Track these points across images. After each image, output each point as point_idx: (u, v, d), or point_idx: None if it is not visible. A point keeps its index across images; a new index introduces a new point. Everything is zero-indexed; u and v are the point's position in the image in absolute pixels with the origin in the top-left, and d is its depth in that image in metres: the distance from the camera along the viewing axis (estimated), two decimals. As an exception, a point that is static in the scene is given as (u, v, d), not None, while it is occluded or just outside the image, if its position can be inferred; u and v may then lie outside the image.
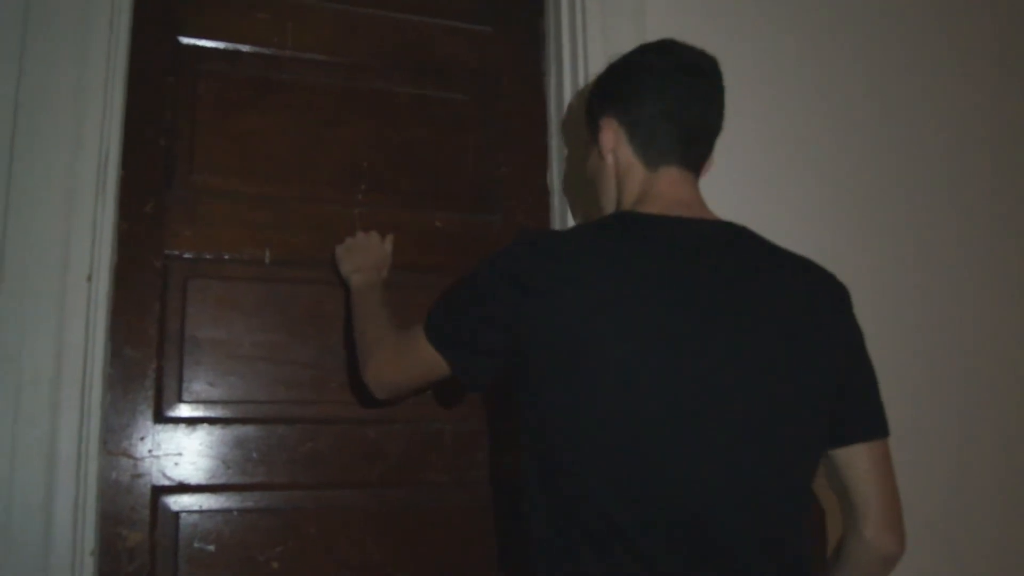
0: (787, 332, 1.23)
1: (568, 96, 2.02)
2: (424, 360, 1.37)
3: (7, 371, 1.54)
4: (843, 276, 1.38)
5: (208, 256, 1.81)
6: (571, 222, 1.97)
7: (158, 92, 1.83)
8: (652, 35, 1.95)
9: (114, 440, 1.69)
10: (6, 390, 1.53)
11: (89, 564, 1.58)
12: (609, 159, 1.40)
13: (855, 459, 1.31)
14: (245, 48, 1.92)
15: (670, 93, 1.32)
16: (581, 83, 1.98)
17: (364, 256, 1.77)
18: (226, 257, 1.83)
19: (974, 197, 2.31)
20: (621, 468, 1.16)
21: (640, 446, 1.16)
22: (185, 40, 1.88)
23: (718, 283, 1.23)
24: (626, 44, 1.91)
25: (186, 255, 1.80)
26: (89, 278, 1.62)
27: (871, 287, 1.91)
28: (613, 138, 1.38)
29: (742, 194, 1.94)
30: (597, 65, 1.95)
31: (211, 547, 1.73)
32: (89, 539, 1.59)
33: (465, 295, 1.33)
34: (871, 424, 1.32)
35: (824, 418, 1.27)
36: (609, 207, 1.43)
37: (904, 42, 2.31)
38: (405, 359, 1.44)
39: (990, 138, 2.35)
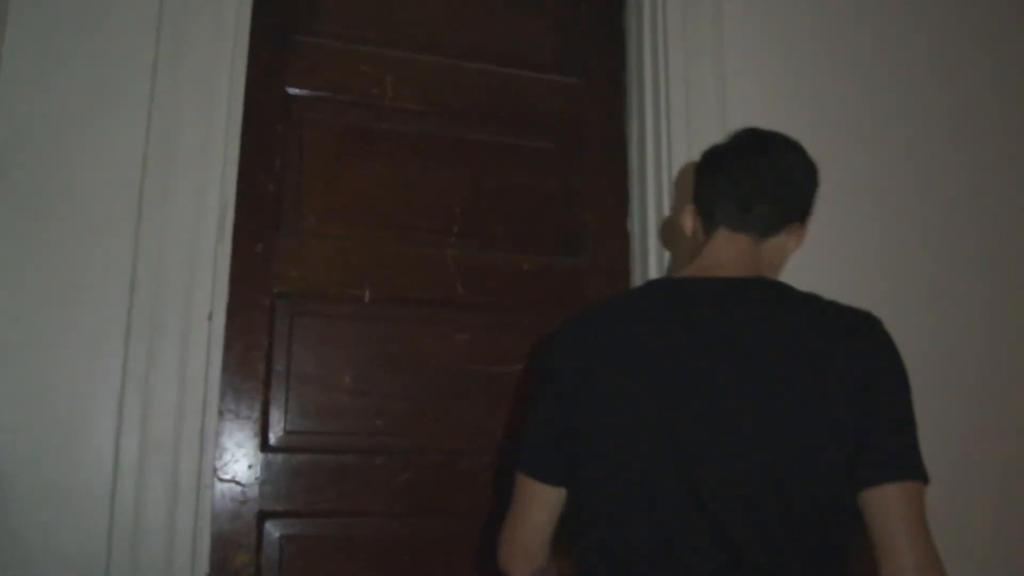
0: (799, 376, 1.25)
1: (649, 145, 2.12)
2: (527, 492, 1.43)
3: (136, 402, 1.66)
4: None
5: (312, 295, 1.93)
6: (651, 265, 2.07)
7: (268, 140, 1.95)
8: (732, 83, 2.08)
9: (224, 468, 1.80)
10: (135, 419, 1.65)
11: (203, 582, 1.70)
12: (692, 239, 1.52)
13: (872, 503, 1.22)
14: (348, 98, 2.05)
15: (731, 170, 1.43)
16: (662, 133, 2.08)
17: None
18: (329, 296, 1.94)
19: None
20: (646, 509, 1.26)
21: (660, 488, 1.25)
22: (292, 91, 2.01)
23: (735, 335, 1.29)
24: (707, 95, 2.04)
25: (292, 294, 1.91)
26: (210, 316, 1.74)
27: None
28: (691, 220, 1.51)
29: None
30: (678, 117, 2.06)
31: (310, 569, 1.83)
32: (203, 560, 1.71)
33: (532, 408, 1.48)
34: (891, 465, 1.23)
35: (846, 456, 1.23)
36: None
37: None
38: (515, 510, 1.46)
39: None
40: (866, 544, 1.25)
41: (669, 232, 2.07)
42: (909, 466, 1.24)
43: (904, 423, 1.28)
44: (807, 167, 1.44)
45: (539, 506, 1.43)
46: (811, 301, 1.34)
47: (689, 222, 1.51)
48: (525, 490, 1.43)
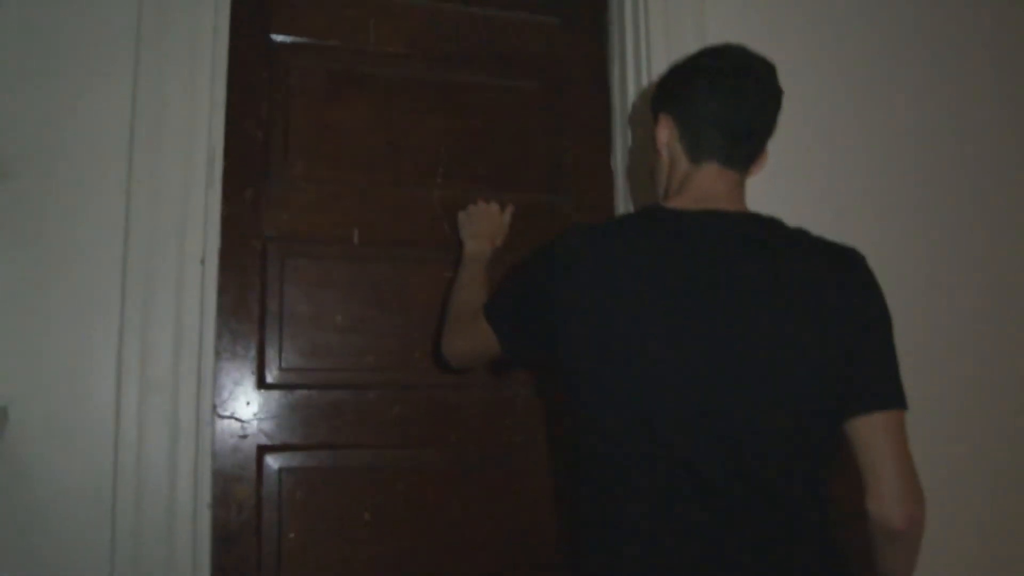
0: (794, 309, 1.31)
1: (631, 84, 2.15)
2: (484, 335, 1.55)
3: (135, 345, 1.73)
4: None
5: (302, 238, 1.99)
6: (635, 201, 2.12)
7: (254, 88, 2.00)
8: (712, 26, 2.09)
9: (223, 405, 1.89)
10: (134, 361, 1.73)
11: (206, 515, 1.79)
12: (663, 153, 1.51)
13: (859, 430, 1.31)
14: (332, 43, 2.09)
15: (720, 96, 1.42)
16: (643, 72, 2.12)
17: (481, 224, 1.94)
18: (318, 239, 2.00)
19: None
20: (632, 433, 1.30)
21: (649, 412, 1.29)
22: (277, 37, 2.05)
23: (729, 267, 1.33)
24: (687, 34, 2.08)
25: (283, 237, 1.98)
26: (202, 261, 1.81)
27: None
28: (667, 134, 1.49)
29: (795, 191, 2.06)
30: (658, 54, 2.10)
31: (309, 500, 1.92)
32: (205, 493, 1.80)
33: (515, 280, 1.53)
34: (875, 395, 1.31)
35: (833, 388, 1.30)
36: (659, 193, 1.56)
37: (953, 44, 2.41)
38: (470, 333, 1.61)
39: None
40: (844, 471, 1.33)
41: (636, 163, 2.12)
42: (894, 396, 1.33)
43: (888, 356, 1.36)
44: (779, 93, 1.46)
45: (485, 348, 1.57)
46: (801, 237, 1.40)
47: (665, 135, 1.49)
48: (484, 330, 1.55)
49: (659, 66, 2.07)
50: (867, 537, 1.34)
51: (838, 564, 1.32)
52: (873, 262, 1.41)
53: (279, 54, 2.04)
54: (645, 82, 2.11)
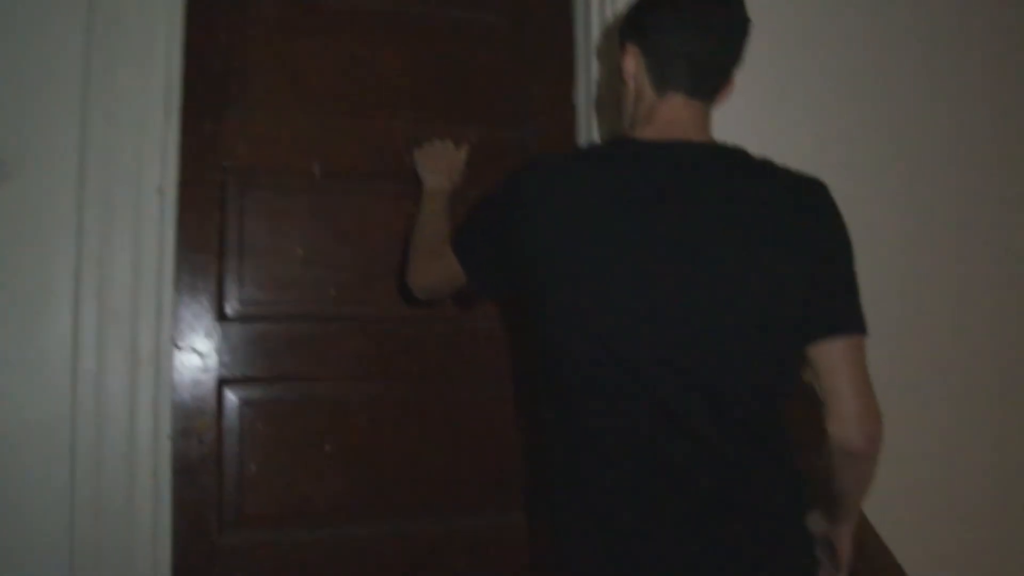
0: (757, 236, 1.32)
1: (595, 17, 2.13)
2: (450, 266, 1.55)
3: (92, 275, 1.72)
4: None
5: (262, 170, 1.98)
6: (596, 135, 2.12)
7: (213, 18, 1.96)
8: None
9: (182, 337, 1.88)
10: (91, 292, 1.72)
11: (167, 446, 1.80)
12: (630, 83, 1.50)
13: (821, 355, 1.34)
14: (292, -29, 2.05)
15: (685, 27, 1.41)
16: (607, 5, 2.10)
17: (439, 160, 1.95)
18: (278, 170, 1.99)
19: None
20: (598, 362, 1.31)
21: (614, 342, 1.30)
22: (236, -36, 2.01)
23: (694, 196, 1.34)
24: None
25: (242, 169, 1.96)
26: (159, 190, 1.78)
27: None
28: (633, 64, 1.47)
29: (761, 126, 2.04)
30: (622, -13, 2.08)
31: (270, 432, 1.93)
32: (166, 425, 1.80)
33: (481, 213, 1.52)
34: (836, 320, 1.34)
35: (795, 315, 1.32)
36: (625, 124, 1.55)
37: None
38: (437, 264, 1.61)
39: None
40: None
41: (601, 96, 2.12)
42: (854, 321, 1.36)
43: (850, 283, 1.38)
44: (746, 22, 1.44)
45: (454, 281, 1.57)
46: (765, 167, 1.41)
47: (632, 66, 1.48)
48: (450, 263, 1.55)
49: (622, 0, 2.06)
50: (826, 458, 1.37)
51: (798, 487, 1.36)
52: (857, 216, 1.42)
53: (239, -19, 2.00)
54: (609, 15, 2.09)
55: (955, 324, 2.33)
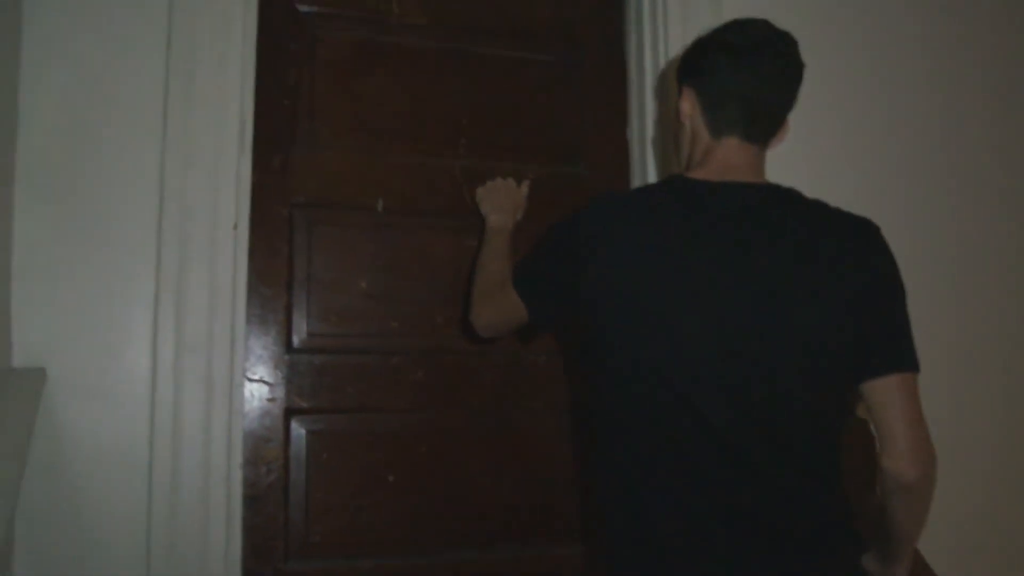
0: (811, 276, 1.36)
1: (647, 56, 2.19)
2: (512, 302, 1.61)
3: (169, 309, 1.78)
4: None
5: (328, 205, 2.04)
6: (650, 171, 2.17)
7: (282, 57, 2.04)
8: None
9: (253, 368, 1.93)
10: (169, 325, 1.78)
11: (238, 474, 1.84)
12: (686, 124, 1.56)
13: (876, 391, 1.37)
14: (356, 14, 2.13)
15: (740, 72, 1.46)
16: (659, 44, 2.16)
17: (501, 198, 2.01)
18: (344, 206, 2.05)
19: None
20: (655, 395, 1.35)
21: (671, 375, 1.34)
22: (303, 8, 2.08)
23: (749, 235, 1.38)
24: (702, 6, 2.10)
25: (309, 204, 2.02)
26: (235, 226, 1.85)
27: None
28: (690, 107, 1.53)
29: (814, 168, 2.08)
30: (674, 26, 2.14)
31: (335, 462, 1.98)
32: (237, 454, 1.85)
33: (542, 249, 1.57)
34: (890, 357, 1.37)
35: (847, 353, 1.36)
36: (681, 164, 1.60)
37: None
38: (500, 301, 1.67)
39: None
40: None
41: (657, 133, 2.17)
42: (907, 359, 1.39)
43: (903, 321, 1.42)
44: (800, 67, 1.50)
45: (515, 318, 1.65)
46: (818, 208, 1.45)
47: (688, 108, 1.53)
48: (512, 299, 1.61)
49: (675, 38, 2.12)
50: (879, 495, 1.40)
51: (851, 522, 1.39)
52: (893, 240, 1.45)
53: (305, 24, 2.08)
54: (661, 54, 2.15)
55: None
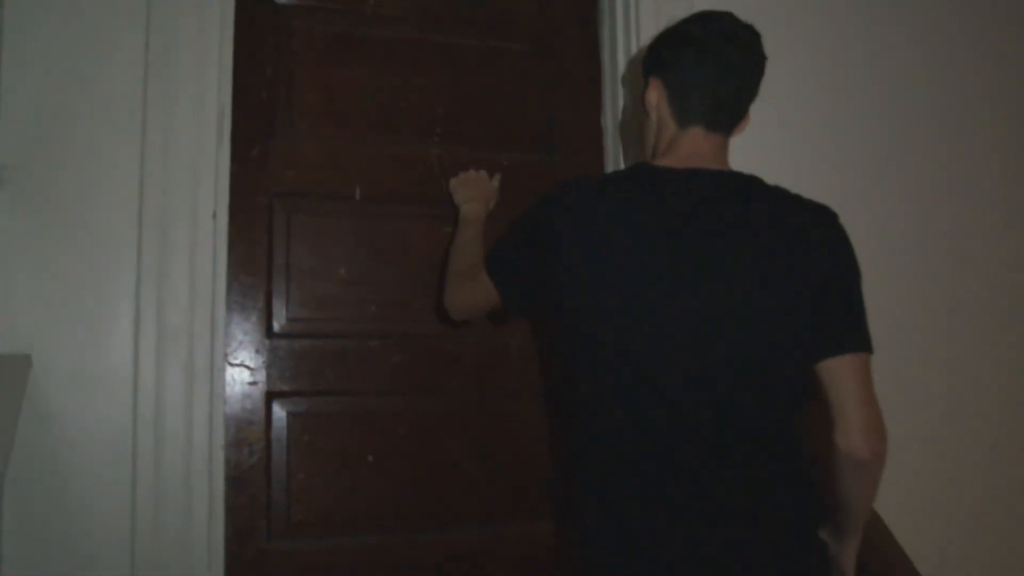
0: (770, 260, 1.41)
1: (620, 46, 2.24)
2: (485, 287, 1.65)
3: (151, 296, 1.83)
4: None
5: (307, 194, 2.09)
6: (623, 159, 2.22)
7: (259, 50, 2.08)
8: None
9: (234, 353, 1.99)
10: (150, 311, 1.83)
11: (220, 456, 1.90)
12: (652, 114, 1.61)
13: (830, 371, 1.42)
14: (332, 6, 2.17)
15: (706, 64, 1.52)
16: (632, 34, 2.21)
17: (473, 188, 2.06)
18: (322, 195, 2.10)
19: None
20: (621, 376, 1.41)
21: (636, 356, 1.40)
22: (280, 0, 2.13)
23: (712, 220, 1.43)
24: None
25: (288, 194, 2.07)
26: (214, 215, 1.90)
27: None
28: (656, 97, 1.59)
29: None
30: (647, 16, 2.18)
31: (315, 443, 2.03)
32: (219, 436, 1.91)
33: (513, 235, 1.62)
34: (844, 339, 1.43)
35: (805, 333, 1.41)
36: (647, 152, 1.66)
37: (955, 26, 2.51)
38: (472, 286, 1.71)
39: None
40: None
41: (626, 122, 2.22)
42: (862, 340, 1.45)
43: (857, 305, 1.47)
44: (763, 60, 1.55)
45: (488, 302, 1.68)
46: (779, 194, 1.51)
47: (655, 98, 1.58)
48: (485, 284, 1.64)
49: (648, 28, 2.15)
50: (832, 470, 1.46)
51: (812, 498, 1.44)
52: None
53: (283, 16, 2.12)
54: (634, 44, 2.20)
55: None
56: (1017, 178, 2.53)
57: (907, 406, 2.16)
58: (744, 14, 1.56)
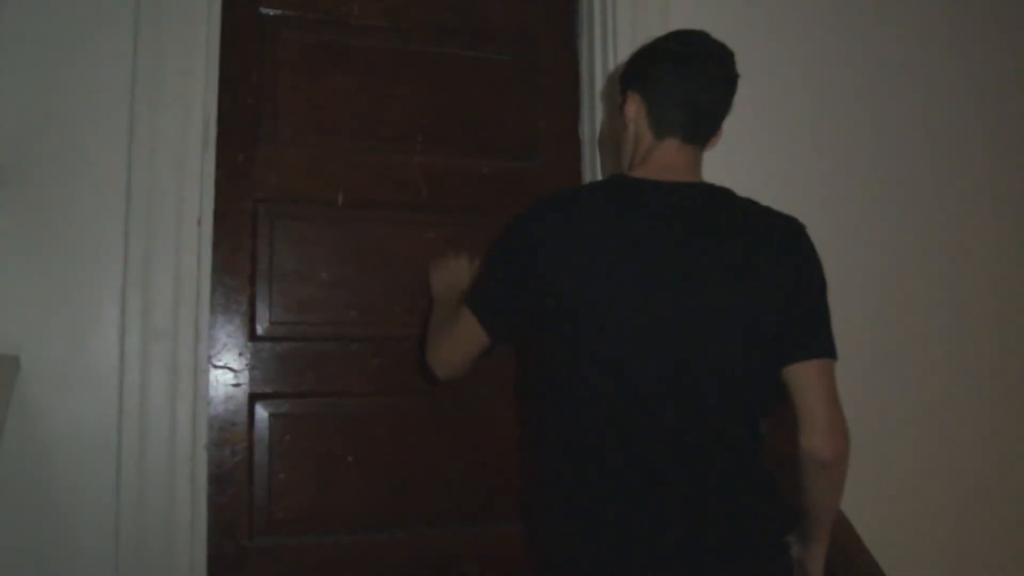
0: (740, 269, 1.46)
1: (598, 58, 2.29)
2: (468, 327, 1.63)
3: (136, 299, 1.87)
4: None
5: (290, 200, 2.13)
6: (599, 167, 2.28)
7: (245, 59, 2.13)
8: (675, 6, 2.22)
9: (218, 356, 2.03)
10: (136, 314, 1.87)
11: (203, 455, 1.95)
12: (630, 126, 1.66)
13: (795, 376, 1.47)
14: (317, 16, 2.22)
15: (684, 79, 1.57)
16: (609, 47, 2.26)
17: (453, 276, 2.00)
18: (305, 200, 2.15)
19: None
20: (597, 380, 1.45)
21: (613, 361, 1.45)
22: (265, 11, 2.17)
23: (685, 231, 1.49)
24: (651, 10, 2.20)
25: (272, 199, 2.12)
26: (199, 221, 1.94)
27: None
28: (635, 110, 1.63)
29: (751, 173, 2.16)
30: (624, 29, 2.24)
31: (297, 444, 2.08)
32: (202, 436, 1.95)
33: (492, 264, 1.64)
34: (809, 345, 1.48)
35: (773, 341, 1.46)
36: (623, 163, 1.70)
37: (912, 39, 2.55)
38: (453, 332, 1.67)
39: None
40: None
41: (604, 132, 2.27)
42: (826, 347, 1.51)
43: (823, 313, 1.53)
44: (736, 78, 1.61)
45: (472, 343, 1.64)
46: (749, 206, 1.56)
47: (633, 111, 1.63)
48: (466, 325, 1.61)
49: (624, 40, 2.21)
50: (798, 472, 1.51)
51: (773, 495, 1.49)
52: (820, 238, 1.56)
53: (268, 26, 2.17)
54: (611, 58, 2.25)
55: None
56: (1002, 181, 2.59)
57: (899, 409, 2.25)
58: (716, 28, 1.61)
